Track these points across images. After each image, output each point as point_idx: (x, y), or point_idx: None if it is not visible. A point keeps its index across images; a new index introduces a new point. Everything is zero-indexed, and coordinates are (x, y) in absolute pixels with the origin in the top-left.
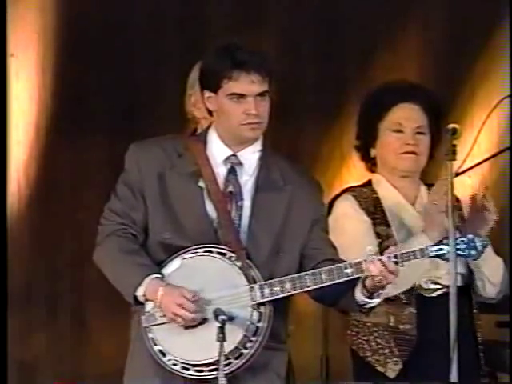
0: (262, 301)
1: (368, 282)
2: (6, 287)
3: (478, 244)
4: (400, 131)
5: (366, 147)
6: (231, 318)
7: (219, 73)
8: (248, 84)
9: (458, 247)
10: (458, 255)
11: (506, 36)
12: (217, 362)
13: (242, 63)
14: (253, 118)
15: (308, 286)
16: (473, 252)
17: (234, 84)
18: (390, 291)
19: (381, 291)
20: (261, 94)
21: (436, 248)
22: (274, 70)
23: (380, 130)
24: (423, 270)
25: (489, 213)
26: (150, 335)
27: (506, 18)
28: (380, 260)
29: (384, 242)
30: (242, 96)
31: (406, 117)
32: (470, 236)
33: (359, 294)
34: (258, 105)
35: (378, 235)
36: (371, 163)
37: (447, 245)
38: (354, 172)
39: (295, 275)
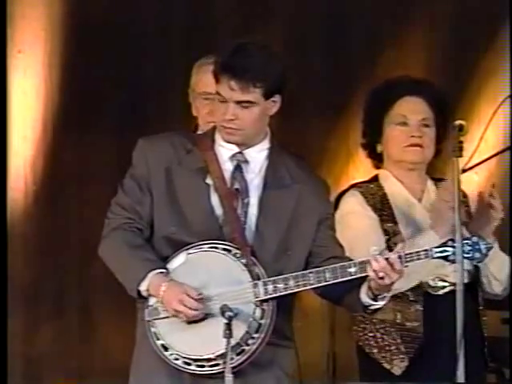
0: (265, 297)
1: (373, 283)
2: (5, 284)
3: (483, 247)
4: (405, 123)
5: (372, 144)
6: (237, 314)
7: (215, 69)
8: (227, 89)
9: (462, 249)
10: (463, 257)
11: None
12: (218, 358)
13: (226, 68)
14: (228, 122)
15: (311, 284)
16: (477, 254)
17: (218, 85)
18: (398, 287)
19: (385, 294)
20: (242, 103)
21: (440, 249)
22: (277, 81)
23: (385, 124)
24: (431, 267)
25: (495, 211)
26: (153, 329)
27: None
28: (384, 257)
29: (391, 238)
30: (224, 98)
31: (411, 109)
32: (475, 238)
33: (364, 295)
34: (238, 112)
35: (385, 232)
36: (378, 160)
37: (451, 246)
38: (361, 168)
39: (299, 273)
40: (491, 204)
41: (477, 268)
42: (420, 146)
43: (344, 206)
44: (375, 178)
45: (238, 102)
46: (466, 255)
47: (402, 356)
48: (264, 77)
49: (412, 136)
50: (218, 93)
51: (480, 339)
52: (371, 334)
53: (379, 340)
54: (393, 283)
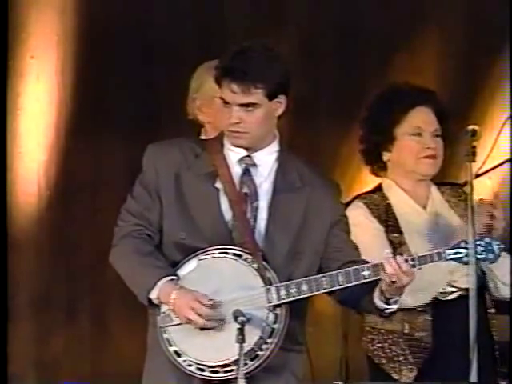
0: (278, 303)
1: (385, 286)
2: (6, 286)
3: (496, 247)
4: (419, 134)
5: (377, 151)
6: (250, 320)
7: (216, 74)
8: (229, 93)
9: (475, 250)
10: (476, 259)
11: None
12: (232, 364)
13: (227, 71)
14: (234, 126)
15: (324, 288)
16: (490, 255)
17: (220, 89)
18: (412, 302)
19: (397, 297)
20: (246, 105)
21: (453, 251)
22: (280, 81)
23: (397, 133)
24: (443, 281)
25: (496, 221)
26: (165, 336)
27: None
28: (395, 260)
29: (397, 249)
30: (227, 102)
31: (424, 120)
32: (488, 239)
33: (377, 299)
34: (242, 115)
35: (390, 242)
36: (380, 167)
37: (464, 248)
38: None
39: (312, 277)
40: (491, 214)
41: (483, 272)
42: (434, 157)
43: (349, 218)
44: (378, 188)
45: (242, 105)
46: (479, 256)
47: (410, 366)
48: (264, 77)
49: (428, 148)
50: (221, 97)
51: (490, 343)
52: (379, 345)
53: (387, 351)
54: (404, 286)
